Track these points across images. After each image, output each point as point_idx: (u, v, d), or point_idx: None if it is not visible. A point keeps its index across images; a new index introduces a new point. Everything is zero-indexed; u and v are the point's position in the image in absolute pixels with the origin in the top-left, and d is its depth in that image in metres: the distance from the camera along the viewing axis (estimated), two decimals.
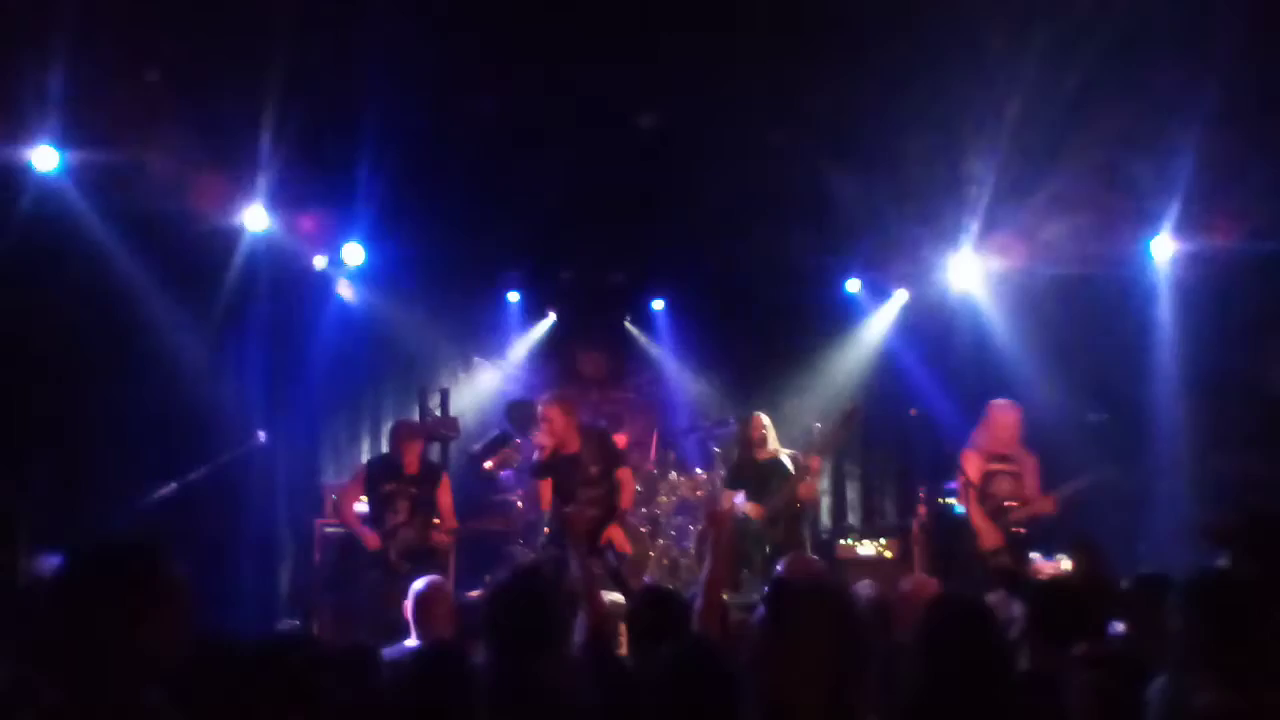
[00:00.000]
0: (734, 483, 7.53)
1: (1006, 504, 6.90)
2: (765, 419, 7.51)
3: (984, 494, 6.92)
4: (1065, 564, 6.67)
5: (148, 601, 2.02)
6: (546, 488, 6.90)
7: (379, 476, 7.20)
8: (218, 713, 2.62)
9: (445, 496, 7.24)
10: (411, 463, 7.18)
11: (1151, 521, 6.87)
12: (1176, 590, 2.45)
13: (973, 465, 7.01)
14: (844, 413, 7.43)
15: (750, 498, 7.29)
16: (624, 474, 7.01)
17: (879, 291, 9.99)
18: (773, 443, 7.44)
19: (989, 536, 6.89)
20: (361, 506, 7.29)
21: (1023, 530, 6.85)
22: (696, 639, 3.17)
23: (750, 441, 7.47)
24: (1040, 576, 6.60)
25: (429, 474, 7.29)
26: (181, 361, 7.46)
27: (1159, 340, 7.88)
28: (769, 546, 7.13)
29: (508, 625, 3.28)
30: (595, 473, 6.86)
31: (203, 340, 7.70)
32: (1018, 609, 3.43)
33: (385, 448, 7.53)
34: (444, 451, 9.00)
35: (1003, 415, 7.00)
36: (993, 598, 4.28)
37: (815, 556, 6.60)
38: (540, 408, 7.00)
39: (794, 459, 7.35)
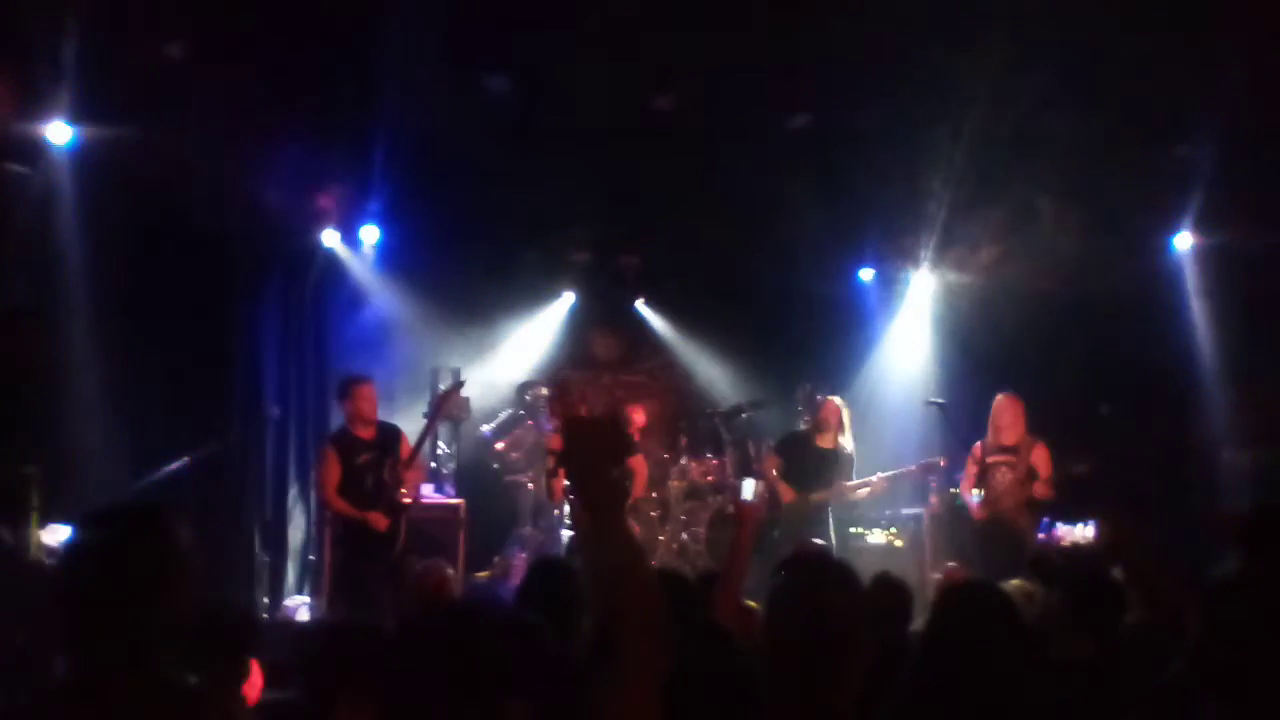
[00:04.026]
0: (780, 452, 7.73)
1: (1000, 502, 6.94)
2: (839, 405, 7.69)
3: (986, 486, 6.99)
4: (1088, 531, 6.72)
5: (161, 567, 1.90)
6: (559, 482, 6.87)
7: (348, 449, 6.70)
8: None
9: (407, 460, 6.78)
10: (369, 431, 6.74)
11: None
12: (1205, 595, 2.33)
13: (972, 460, 7.12)
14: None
15: (789, 477, 7.48)
16: (637, 462, 6.99)
17: (893, 280, 9.92)
18: (836, 432, 7.60)
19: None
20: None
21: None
22: (710, 625, 3.12)
23: (816, 423, 7.68)
24: (1063, 544, 6.65)
25: (390, 435, 6.84)
26: (195, 337, 7.46)
27: (1179, 334, 7.82)
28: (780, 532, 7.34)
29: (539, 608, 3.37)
30: None
31: (216, 316, 7.70)
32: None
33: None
34: (455, 433, 8.97)
35: (999, 407, 7.04)
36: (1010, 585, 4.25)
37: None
38: (551, 403, 6.95)
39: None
